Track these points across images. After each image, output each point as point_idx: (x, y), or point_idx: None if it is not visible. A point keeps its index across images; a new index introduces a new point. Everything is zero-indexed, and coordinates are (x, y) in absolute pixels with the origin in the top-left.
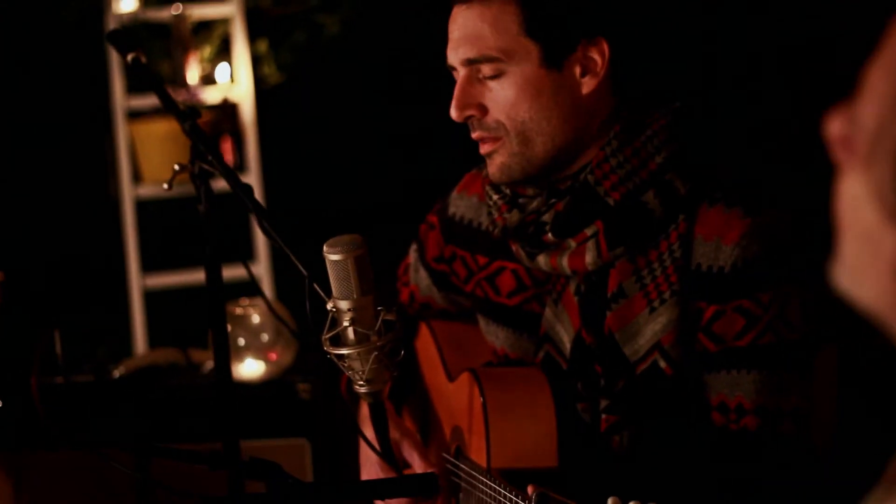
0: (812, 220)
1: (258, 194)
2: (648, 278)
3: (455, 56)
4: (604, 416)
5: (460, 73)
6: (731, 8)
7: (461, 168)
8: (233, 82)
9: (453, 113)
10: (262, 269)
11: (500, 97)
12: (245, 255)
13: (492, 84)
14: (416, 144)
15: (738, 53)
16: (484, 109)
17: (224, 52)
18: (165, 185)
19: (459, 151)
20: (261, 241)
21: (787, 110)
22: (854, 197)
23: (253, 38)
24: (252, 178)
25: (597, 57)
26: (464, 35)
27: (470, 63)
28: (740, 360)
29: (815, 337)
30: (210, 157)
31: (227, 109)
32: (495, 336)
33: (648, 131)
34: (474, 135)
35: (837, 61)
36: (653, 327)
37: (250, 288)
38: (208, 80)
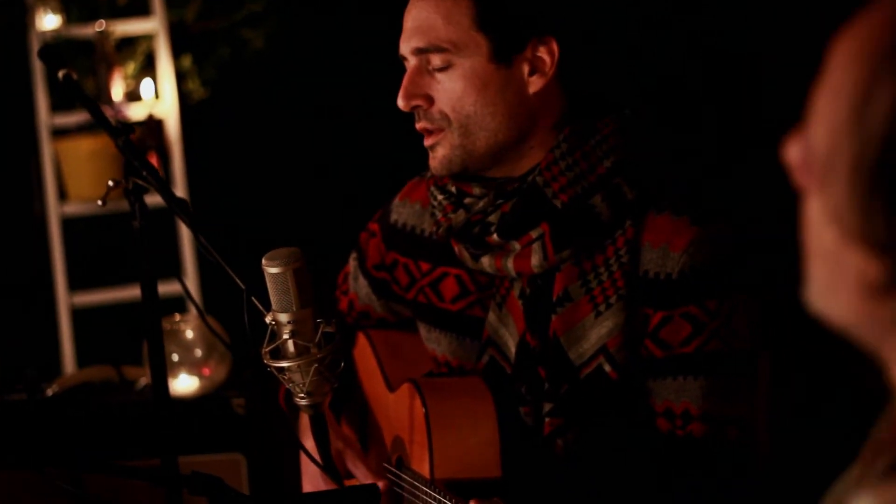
0: (752, 230)
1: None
2: (595, 283)
3: (406, 45)
4: (547, 419)
5: (410, 63)
6: (684, 12)
7: (386, 181)
8: (157, 98)
9: (400, 102)
10: (189, 284)
11: (447, 88)
12: (172, 271)
13: (440, 76)
14: (341, 159)
15: (685, 58)
16: (430, 100)
17: (148, 69)
18: (100, 202)
19: (385, 164)
20: (188, 257)
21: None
22: (815, 221)
23: (177, 53)
24: (178, 193)
25: (546, 57)
26: (416, 25)
27: (419, 52)
28: (687, 367)
29: (759, 345)
30: (144, 173)
31: (152, 125)
32: (437, 343)
33: (598, 136)
34: (419, 125)
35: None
36: (598, 331)
37: (179, 304)
38: (133, 96)
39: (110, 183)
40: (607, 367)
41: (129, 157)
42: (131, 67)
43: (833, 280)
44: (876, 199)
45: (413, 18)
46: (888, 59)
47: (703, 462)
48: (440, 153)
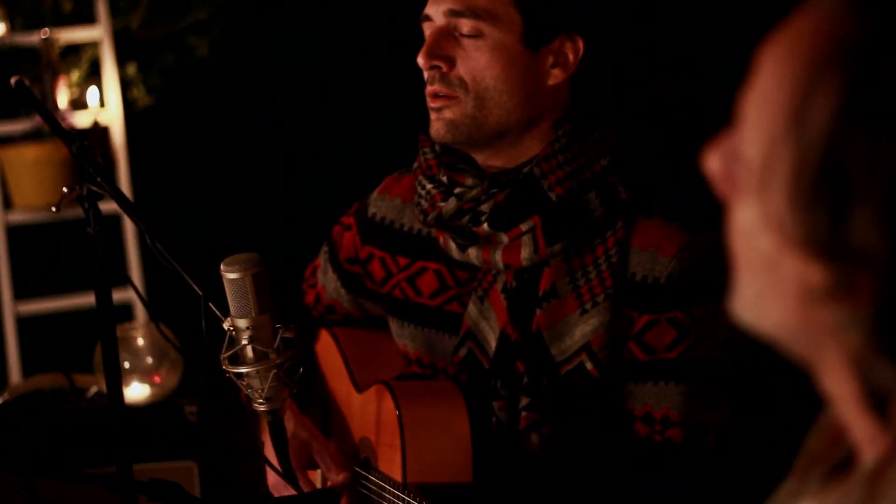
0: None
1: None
2: (582, 280)
3: (438, 6)
4: (524, 413)
5: (435, 24)
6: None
7: (332, 185)
8: (103, 106)
9: (422, 60)
10: (133, 293)
11: (473, 56)
12: (122, 277)
13: (467, 42)
14: (286, 164)
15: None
16: (451, 63)
17: (93, 76)
18: (53, 209)
19: (331, 168)
20: (133, 264)
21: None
22: (747, 228)
23: (122, 61)
24: None
25: (570, 54)
26: None
27: (453, 14)
28: (670, 372)
29: (740, 355)
30: (99, 179)
31: (98, 133)
32: (410, 338)
33: (597, 134)
34: (431, 87)
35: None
36: (583, 329)
37: (125, 312)
38: (78, 104)
39: (65, 189)
40: (589, 365)
41: (84, 164)
42: (76, 75)
43: (768, 289)
44: (819, 203)
45: None
46: (822, 65)
47: (680, 467)
48: (448, 116)
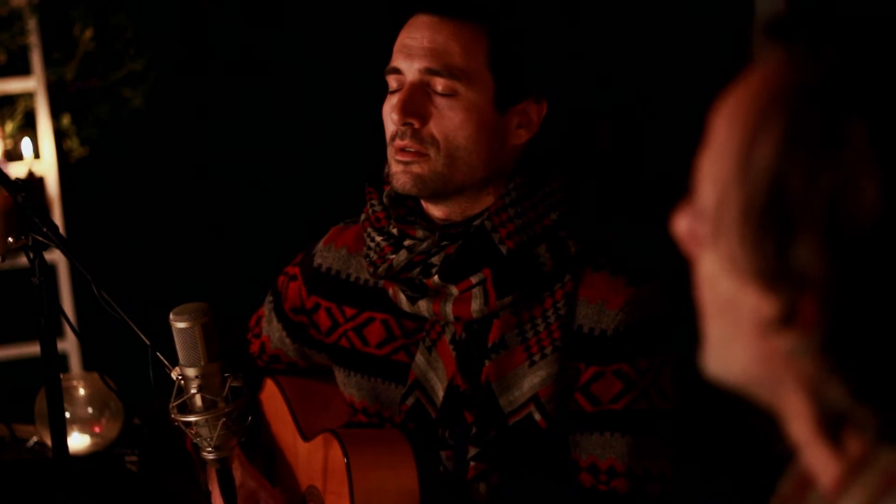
0: (681, 289)
1: (65, 268)
2: (531, 332)
3: (411, 62)
4: (472, 463)
5: (407, 79)
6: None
7: (265, 236)
8: (37, 157)
9: (394, 115)
10: (69, 343)
11: (446, 115)
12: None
13: (440, 101)
14: (220, 216)
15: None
16: (424, 120)
17: (28, 127)
18: (0, 259)
19: (264, 219)
20: (69, 314)
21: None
22: (709, 275)
23: (56, 112)
24: (58, 251)
25: (534, 115)
26: (432, 46)
27: (429, 73)
28: (615, 423)
29: (682, 404)
30: (45, 230)
31: (32, 184)
32: (357, 388)
33: (546, 188)
34: (402, 142)
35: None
36: (531, 380)
37: (60, 362)
38: (12, 154)
39: (10, 239)
40: (537, 416)
41: (30, 214)
42: (10, 126)
43: (729, 329)
44: (765, 235)
45: (428, 38)
46: (765, 113)
47: None
48: (416, 170)
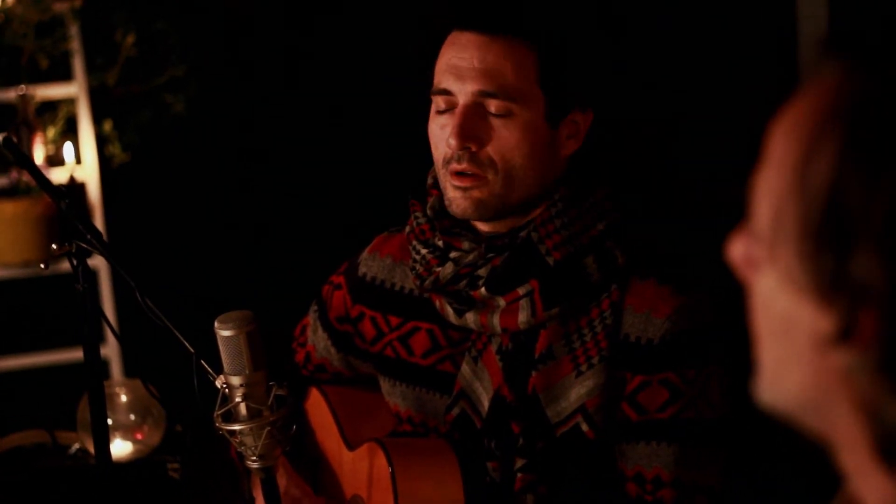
0: (731, 302)
1: (106, 274)
2: (578, 343)
3: (463, 84)
4: (519, 475)
5: (460, 102)
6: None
7: (306, 242)
8: (79, 162)
9: (453, 141)
10: (110, 349)
11: (503, 136)
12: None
13: (496, 122)
14: (261, 221)
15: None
16: (482, 143)
17: (69, 133)
18: (42, 265)
19: (305, 230)
20: (111, 321)
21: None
22: (765, 296)
23: (98, 117)
24: (99, 258)
25: (582, 124)
26: (484, 68)
27: (483, 95)
28: (661, 433)
29: (731, 416)
30: (89, 236)
31: (74, 189)
32: (402, 397)
33: (592, 198)
34: (460, 166)
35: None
36: (578, 391)
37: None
38: (54, 160)
39: (54, 246)
40: (585, 427)
41: (74, 220)
42: (52, 132)
43: (785, 350)
44: (823, 248)
45: (479, 59)
46: (822, 126)
47: None
48: (475, 195)
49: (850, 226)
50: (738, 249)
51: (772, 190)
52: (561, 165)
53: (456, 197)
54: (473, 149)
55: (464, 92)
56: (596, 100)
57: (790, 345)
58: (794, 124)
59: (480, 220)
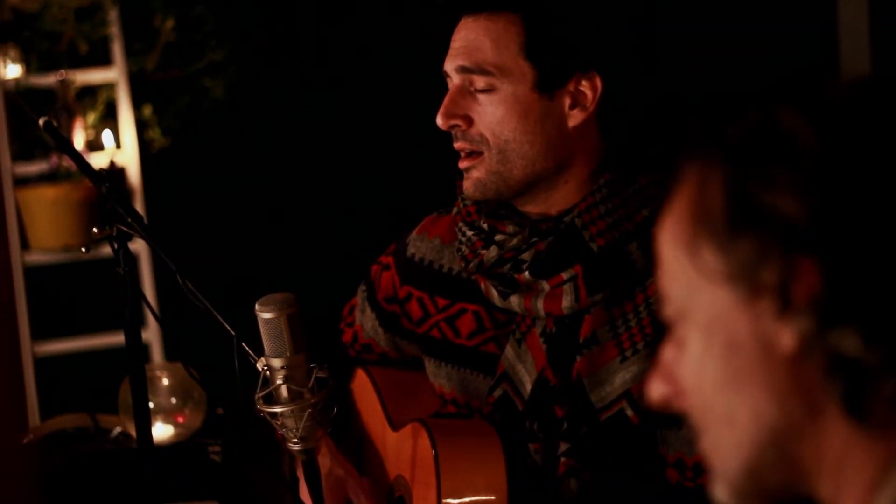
0: None
1: (147, 258)
2: (622, 328)
3: (451, 63)
4: (563, 459)
5: (453, 81)
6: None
7: (344, 226)
8: (118, 147)
9: (439, 120)
10: (152, 332)
11: (488, 112)
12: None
13: (481, 97)
14: (300, 206)
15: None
16: (469, 121)
17: (109, 118)
18: (83, 249)
19: (344, 210)
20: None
21: None
22: (696, 359)
23: (138, 103)
24: (139, 242)
25: (588, 91)
26: (464, 45)
27: (463, 71)
28: None
29: None
30: (129, 220)
31: (114, 174)
32: (447, 378)
33: (637, 184)
34: (457, 145)
35: None
36: (623, 376)
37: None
38: (94, 145)
39: (94, 230)
40: (629, 412)
41: (115, 204)
42: (92, 117)
43: (737, 383)
44: (743, 223)
45: (462, 38)
46: (697, 223)
47: None
48: (475, 175)
49: (759, 188)
50: (658, 388)
51: (675, 280)
52: (575, 136)
53: (463, 181)
54: (463, 127)
55: (452, 71)
56: (598, 62)
57: (740, 368)
58: (674, 228)
59: (487, 199)
